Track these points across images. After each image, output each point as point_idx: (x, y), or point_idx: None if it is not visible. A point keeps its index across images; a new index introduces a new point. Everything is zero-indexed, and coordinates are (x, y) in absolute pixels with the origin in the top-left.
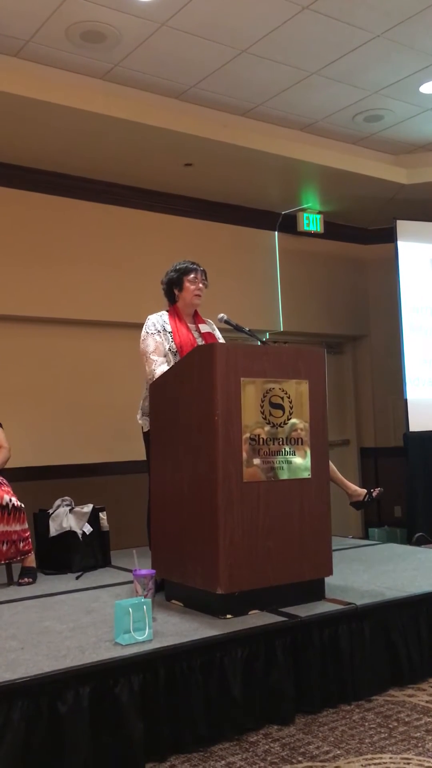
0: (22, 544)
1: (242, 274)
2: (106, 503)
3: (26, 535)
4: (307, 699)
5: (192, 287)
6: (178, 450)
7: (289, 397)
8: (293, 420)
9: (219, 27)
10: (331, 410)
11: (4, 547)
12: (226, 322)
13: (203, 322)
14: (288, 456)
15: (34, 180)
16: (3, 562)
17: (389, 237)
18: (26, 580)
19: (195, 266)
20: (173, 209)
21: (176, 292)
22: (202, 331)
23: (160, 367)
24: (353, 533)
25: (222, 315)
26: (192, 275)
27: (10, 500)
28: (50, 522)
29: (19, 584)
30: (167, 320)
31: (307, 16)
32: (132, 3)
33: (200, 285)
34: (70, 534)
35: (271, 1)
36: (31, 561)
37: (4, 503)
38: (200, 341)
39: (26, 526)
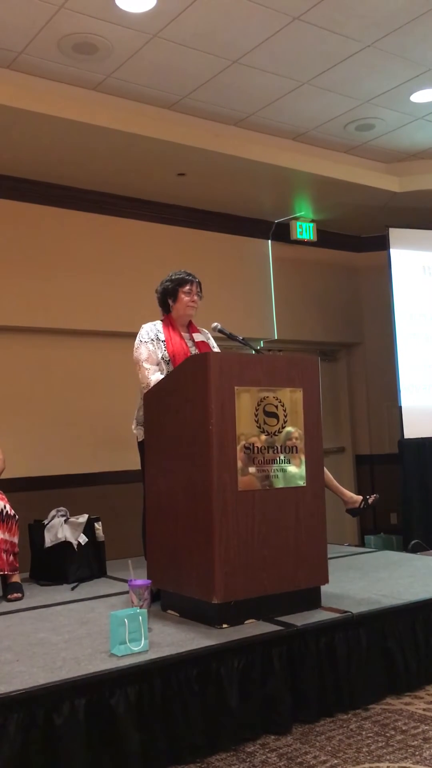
0: (12, 558)
1: (236, 283)
2: (102, 513)
3: (17, 550)
4: (304, 708)
5: (186, 298)
6: (172, 459)
7: (283, 406)
8: (288, 428)
9: (210, 38)
10: (325, 418)
11: None
12: (220, 330)
13: (197, 331)
14: (283, 464)
15: (26, 190)
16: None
17: (382, 245)
18: (16, 595)
19: (191, 278)
20: (166, 219)
21: (170, 302)
22: (196, 340)
23: (154, 375)
24: (349, 541)
25: (216, 324)
26: (188, 287)
27: (5, 506)
28: (45, 533)
29: (8, 600)
30: (161, 329)
31: (298, 26)
32: (124, 14)
33: (195, 297)
34: (65, 545)
35: (263, 12)
36: (17, 577)
37: None
38: (194, 350)
39: (16, 540)
